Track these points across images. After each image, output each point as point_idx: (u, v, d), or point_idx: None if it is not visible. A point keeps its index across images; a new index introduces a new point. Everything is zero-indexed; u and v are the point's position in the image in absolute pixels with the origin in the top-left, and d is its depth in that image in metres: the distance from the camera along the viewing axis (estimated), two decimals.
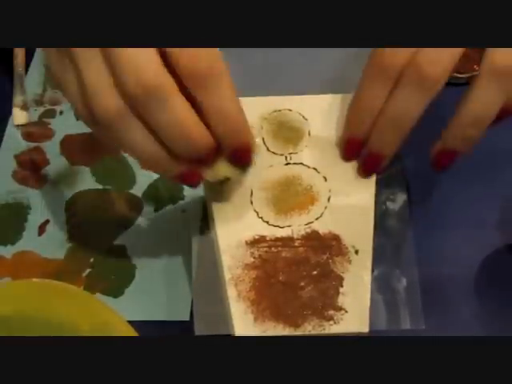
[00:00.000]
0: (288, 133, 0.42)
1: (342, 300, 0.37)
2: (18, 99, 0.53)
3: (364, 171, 0.40)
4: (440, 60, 0.35)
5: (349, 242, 0.39)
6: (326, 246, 0.39)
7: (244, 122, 0.35)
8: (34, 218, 0.48)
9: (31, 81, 0.55)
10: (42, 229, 0.47)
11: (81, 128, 0.52)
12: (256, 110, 0.43)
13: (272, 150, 0.42)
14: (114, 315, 0.37)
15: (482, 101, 0.36)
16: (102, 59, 0.31)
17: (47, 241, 0.47)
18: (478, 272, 0.44)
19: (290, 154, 0.42)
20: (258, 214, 0.40)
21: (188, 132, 0.33)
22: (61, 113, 0.53)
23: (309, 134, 0.42)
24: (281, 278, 0.38)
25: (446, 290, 0.43)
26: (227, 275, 0.38)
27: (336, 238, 0.39)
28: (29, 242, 0.47)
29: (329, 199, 0.40)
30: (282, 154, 0.42)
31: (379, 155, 0.39)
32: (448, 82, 0.36)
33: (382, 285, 0.40)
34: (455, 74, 0.37)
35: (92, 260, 0.46)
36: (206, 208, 0.42)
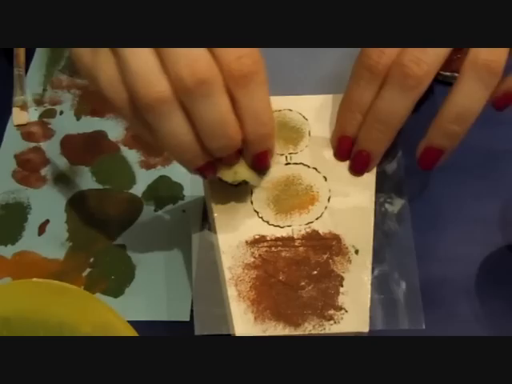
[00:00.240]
0: (288, 133, 0.42)
1: (342, 300, 0.37)
2: (18, 99, 0.53)
3: (354, 169, 0.41)
4: (424, 59, 0.36)
5: (349, 242, 0.39)
6: (326, 246, 0.39)
7: (273, 129, 0.35)
8: (34, 218, 0.48)
9: (31, 81, 0.55)
10: (41, 229, 0.47)
11: (81, 128, 0.52)
12: None
13: None
14: (114, 315, 0.37)
15: (465, 97, 0.37)
16: (151, 50, 0.32)
17: (47, 241, 0.47)
18: (478, 272, 0.44)
19: (290, 154, 0.42)
20: (258, 214, 0.40)
21: (227, 129, 0.33)
22: (61, 113, 0.53)
23: (309, 134, 0.42)
24: (281, 278, 0.38)
25: (446, 290, 0.43)
26: (227, 275, 0.38)
27: (336, 237, 0.39)
28: (29, 242, 0.47)
29: (329, 199, 0.40)
30: (282, 154, 0.42)
31: (367, 154, 0.40)
32: (446, 81, 0.36)
33: (382, 285, 0.40)
34: (453, 74, 0.37)
35: (92, 260, 0.46)
36: (205, 208, 0.42)
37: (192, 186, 0.48)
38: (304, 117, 0.43)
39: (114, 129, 0.52)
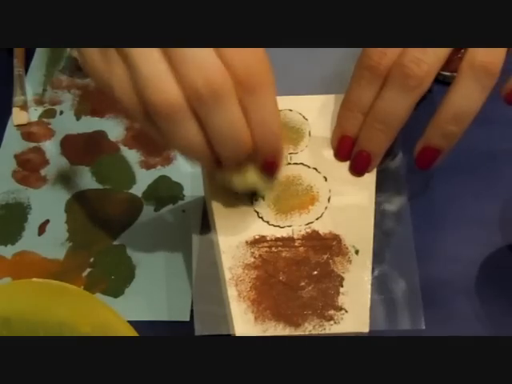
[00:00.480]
0: (288, 133, 0.42)
1: (342, 300, 0.37)
2: (18, 99, 0.53)
3: (354, 170, 0.41)
4: (424, 60, 0.36)
5: (349, 242, 0.39)
6: (326, 246, 0.39)
7: (281, 135, 0.35)
8: (34, 218, 0.48)
9: (31, 81, 0.55)
10: (42, 229, 0.47)
11: (81, 128, 0.52)
12: None
13: None
14: (114, 315, 0.37)
15: (462, 98, 0.37)
16: (161, 54, 0.32)
17: (47, 241, 0.47)
18: (479, 272, 0.44)
19: (290, 154, 0.42)
20: (258, 214, 0.40)
21: (238, 137, 0.33)
22: (61, 113, 0.53)
23: (309, 134, 0.42)
24: (281, 278, 0.38)
25: (446, 290, 0.43)
26: (227, 275, 0.38)
27: (336, 238, 0.39)
28: (29, 242, 0.47)
29: (329, 199, 0.40)
30: None
31: (368, 154, 0.40)
32: (446, 80, 0.36)
33: (382, 285, 0.40)
34: (453, 74, 0.37)
35: (92, 260, 0.46)
36: (205, 208, 0.42)
37: (192, 185, 0.48)
38: (304, 117, 0.43)
39: (113, 129, 0.52)
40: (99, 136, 0.52)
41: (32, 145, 0.51)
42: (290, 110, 0.43)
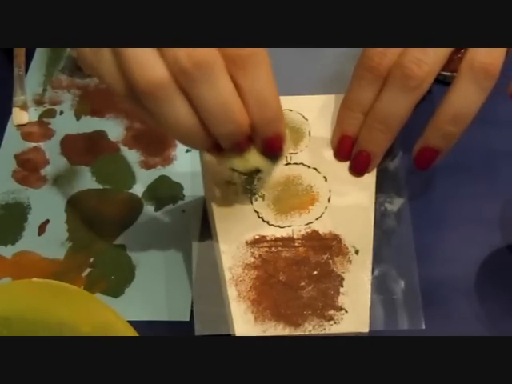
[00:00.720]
0: (288, 133, 0.42)
1: (342, 300, 0.37)
2: (18, 99, 0.53)
3: (354, 170, 0.41)
4: (424, 60, 0.36)
5: (349, 242, 0.39)
6: (326, 246, 0.39)
7: (280, 111, 0.34)
8: (34, 218, 0.48)
9: (31, 81, 0.55)
10: (42, 229, 0.47)
11: (81, 128, 0.52)
12: None
13: None
14: (114, 315, 0.37)
15: (461, 99, 0.37)
16: None
17: (47, 241, 0.47)
18: (478, 272, 0.44)
19: (290, 154, 0.42)
20: (258, 214, 0.40)
21: (231, 113, 0.32)
22: (61, 113, 0.53)
23: (309, 134, 0.42)
24: (281, 278, 0.38)
25: (446, 290, 0.43)
26: (227, 275, 0.38)
27: (336, 238, 0.39)
28: (29, 242, 0.47)
29: (329, 199, 0.40)
30: None
31: (368, 154, 0.40)
32: (446, 80, 0.36)
33: (382, 285, 0.40)
34: (453, 74, 0.37)
35: (92, 260, 0.46)
36: (205, 208, 0.42)
37: (192, 185, 0.48)
38: (304, 117, 0.43)
39: (114, 129, 0.52)
40: (99, 136, 0.52)
41: (32, 145, 0.51)
42: (290, 110, 0.43)
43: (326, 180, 0.41)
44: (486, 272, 0.44)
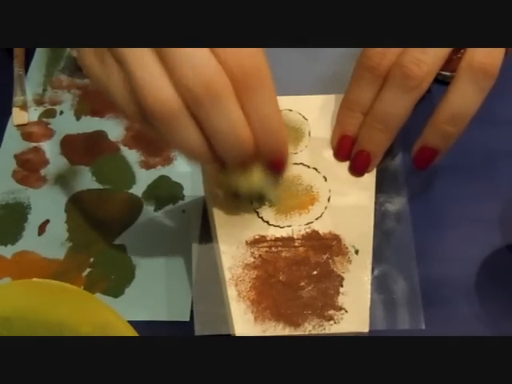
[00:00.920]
0: (288, 133, 0.42)
1: (342, 300, 0.37)
2: (18, 99, 0.53)
3: (354, 170, 0.41)
4: (424, 60, 0.36)
5: (349, 242, 0.39)
6: (326, 246, 0.39)
7: (285, 133, 0.34)
8: (34, 218, 0.48)
9: (31, 81, 0.55)
10: (41, 229, 0.47)
11: (81, 128, 0.52)
12: None
13: None
14: (114, 315, 0.37)
15: (460, 98, 0.37)
16: (155, 56, 0.31)
17: (47, 241, 0.47)
18: (478, 272, 0.44)
19: (290, 154, 0.42)
20: (258, 214, 0.40)
21: (241, 139, 0.32)
22: (61, 113, 0.53)
23: (309, 134, 0.42)
24: (281, 278, 0.38)
25: (446, 290, 0.43)
26: (227, 275, 0.38)
27: (336, 237, 0.39)
28: (29, 242, 0.47)
29: (329, 199, 0.40)
30: None
31: (367, 154, 0.40)
32: (446, 80, 0.36)
33: (382, 285, 0.40)
34: (453, 74, 0.37)
35: (92, 260, 0.46)
36: (205, 208, 0.42)
37: (192, 185, 0.48)
38: (304, 117, 0.43)
39: (113, 129, 0.52)
40: (99, 136, 0.52)
41: (32, 145, 0.51)
42: (290, 110, 0.43)
43: (325, 180, 0.41)
44: (486, 272, 0.44)
